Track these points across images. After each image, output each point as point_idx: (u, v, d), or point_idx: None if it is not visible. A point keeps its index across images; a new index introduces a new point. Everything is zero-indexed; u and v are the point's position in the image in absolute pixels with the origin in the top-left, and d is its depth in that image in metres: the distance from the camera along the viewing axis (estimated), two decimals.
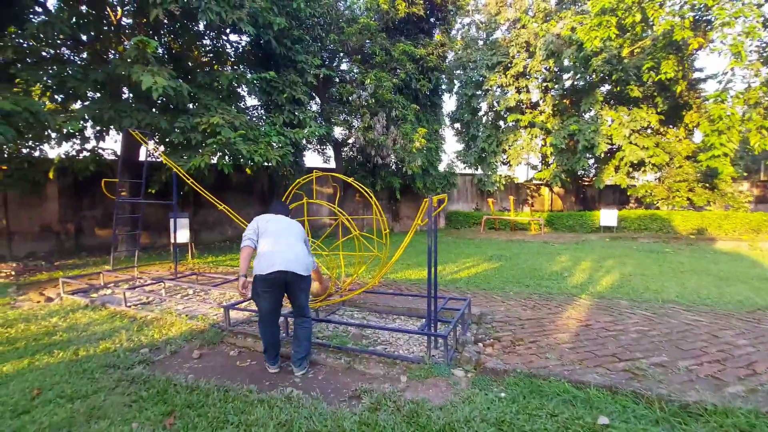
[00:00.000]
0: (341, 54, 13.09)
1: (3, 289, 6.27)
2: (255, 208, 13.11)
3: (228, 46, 10.96)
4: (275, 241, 3.32)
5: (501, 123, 18.44)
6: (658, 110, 15.29)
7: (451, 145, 43.06)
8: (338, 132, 13.40)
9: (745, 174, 17.73)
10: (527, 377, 2.94)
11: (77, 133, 8.40)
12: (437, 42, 13.89)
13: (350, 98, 12.03)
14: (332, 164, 14.56)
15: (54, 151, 8.76)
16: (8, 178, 7.98)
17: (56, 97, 8.49)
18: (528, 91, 17.00)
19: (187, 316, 4.75)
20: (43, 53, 8.57)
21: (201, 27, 9.66)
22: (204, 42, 10.38)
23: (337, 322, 4.26)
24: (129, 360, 3.51)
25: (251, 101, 12.43)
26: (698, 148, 14.46)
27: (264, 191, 13.35)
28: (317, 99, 13.29)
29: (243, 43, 11.20)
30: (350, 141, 13.39)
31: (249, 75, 9.10)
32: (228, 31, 9.93)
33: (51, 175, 8.86)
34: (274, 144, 9.22)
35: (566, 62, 16.71)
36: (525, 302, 5.28)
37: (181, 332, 4.25)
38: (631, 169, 16.05)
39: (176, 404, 2.76)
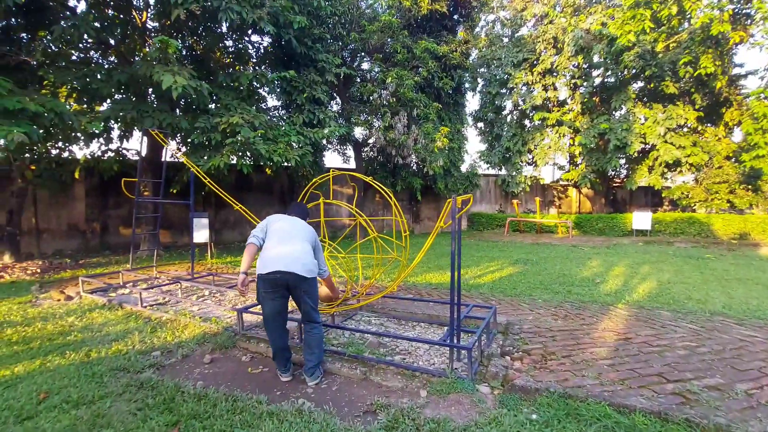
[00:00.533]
0: (362, 53, 12.93)
1: (27, 286, 6.37)
2: (275, 208, 13.11)
3: (249, 46, 10.99)
4: (278, 241, 3.18)
5: (526, 122, 17.87)
6: (696, 107, 14.43)
7: (474, 145, 42.32)
8: (358, 132, 13.25)
9: None
10: (562, 398, 2.63)
11: (102, 134, 8.55)
12: (461, 39, 13.56)
13: (371, 97, 11.85)
14: (352, 164, 14.42)
15: (82, 152, 8.91)
16: (38, 178, 8.18)
17: (83, 98, 8.66)
18: (555, 89, 16.39)
19: (201, 318, 4.63)
20: (73, 57, 8.78)
21: (224, 28, 9.70)
22: (226, 43, 10.42)
23: (352, 330, 4.04)
24: (139, 363, 3.41)
25: (272, 102, 12.44)
26: (740, 148, 13.55)
27: (284, 191, 13.33)
28: (338, 99, 13.18)
29: (264, 44, 11.21)
30: (371, 141, 13.21)
31: (269, 75, 9.04)
32: (249, 31, 9.93)
33: (77, 175, 9.05)
34: (294, 144, 9.14)
35: (596, 58, 16.03)
36: (555, 311, 4.92)
37: (194, 335, 4.14)
38: (666, 170, 15.21)
39: (182, 414, 2.62)
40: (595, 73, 16.95)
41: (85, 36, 7.70)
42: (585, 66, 16.29)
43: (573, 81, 16.05)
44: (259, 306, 4.47)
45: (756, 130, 11.25)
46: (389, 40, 12.26)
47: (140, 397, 2.85)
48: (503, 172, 17.46)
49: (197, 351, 3.77)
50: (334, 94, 12.89)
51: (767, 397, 2.61)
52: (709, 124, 15.14)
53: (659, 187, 15.22)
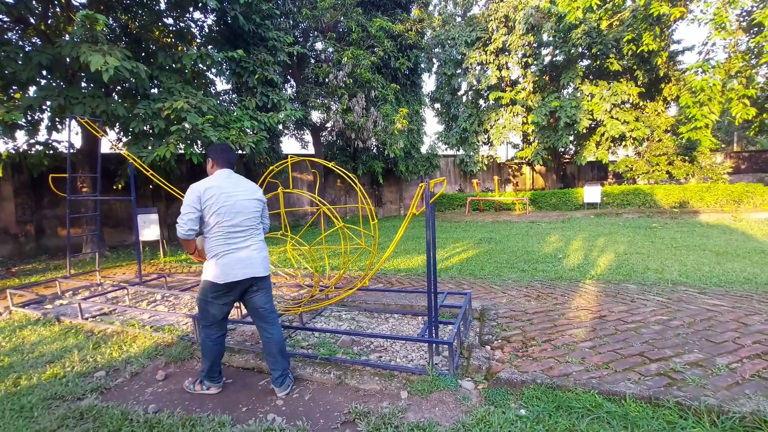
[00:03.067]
0: (315, 32, 12.28)
1: None
2: None
3: (192, 25, 10.04)
4: (232, 237, 2.85)
5: (482, 102, 18.03)
6: (638, 83, 15.16)
7: (432, 126, 42.48)
8: (316, 116, 12.71)
9: (722, 146, 17.99)
10: (550, 389, 2.56)
11: (26, 125, 7.51)
12: (415, 18, 13.25)
13: (327, 79, 11.33)
14: (311, 150, 13.88)
15: (5, 146, 7.83)
16: None
17: None
18: (508, 68, 16.58)
19: (152, 327, 4.19)
20: None
21: (162, 5, 8.75)
22: (166, 21, 9.42)
23: (323, 330, 3.80)
24: (79, 388, 2.97)
25: (222, 86, 11.57)
26: (677, 121, 14.44)
27: None
28: (292, 82, 12.52)
29: (209, 22, 10.29)
30: (329, 125, 12.72)
31: (215, 55, 8.29)
32: (191, 8, 9.04)
33: (0, 172, 7.94)
34: (248, 130, 8.54)
35: (546, 36, 16.35)
36: (527, 291, 4.95)
37: (145, 348, 3.72)
38: (612, 145, 15.98)
39: None
40: (545, 51, 17.32)
41: None
42: (535, 44, 16.56)
43: (525, 60, 16.29)
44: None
45: (694, 103, 11.97)
46: (342, 18, 11.70)
47: (79, 431, 2.46)
48: (461, 152, 17.60)
49: (149, 366, 3.37)
50: (288, 77, 12.21)
51: (750, 371, 2.66)
52: (649, 100, 16.00)
53: (606, 161, 15.99)
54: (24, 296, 5.52)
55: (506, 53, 16.39)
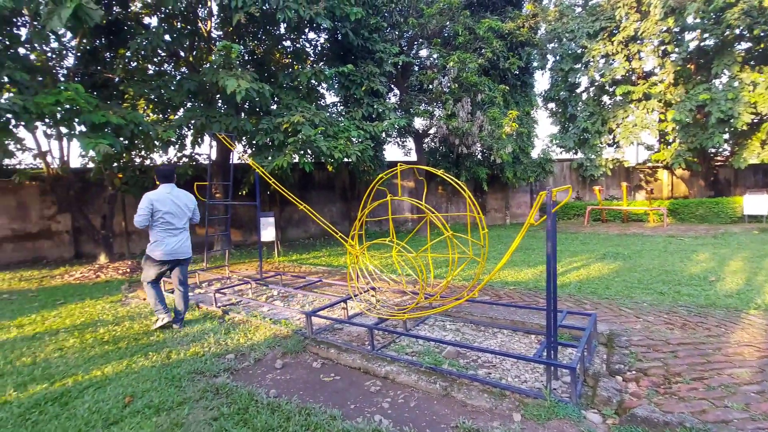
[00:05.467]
0: (420, 39, 12.39)
1: (118, 285, 6.84)
2: (337, 205, 13.13)
3: (307, 45, 11.01)
4: (170, 231, 4.40)
5: (606, 98, 16.07)
6: None
7: (545, 128, 39.62)
8: (419, 122, 12.76)
9: None
10: None
11: (176, 141, 9.01)
12: (528, 14, 12.45)
13: (431, 85, 11.29)
14: (413, 157, 13.98)
15: (161, 158, 9.50)
16: (125, 185, 8.84)
17: (158, 109, 9.19)
18: (640, 58, 14.48)
19: (270, 320, 4.56)
20: (149, 71, 9.37)
21: (282, 29, 9.75)
22: (284, 44, 10.51)
23: (427, 338, 3.64)
24: (215, 367, 3.38)
25: (331, 98, 12.41)
26: None
27: (345, 188, 13.29)
28: (396, 90, 12.80)
29: (321, 40, 11.15)
30: (431, 131, 12.65)
31: (327, 71, 8.91)
32: (306, 29, 9.90)
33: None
34: (354, 139, 8.94)
35: (690, 19, 13.87)
36: (669, 318, 4.11)
37: (265, 337, 4.06)
38: None
39: (256, 427, 2.47)
40: (689, 36, 14.70)
41: (158, 50, 8.11)
42: (676, 30, 14.17)
43: (662, 47, 14.05)
44: (327, 310, 4.32)
45: None
46: (449, 23, 11.57)
47: (216, 404, 2.78)
48: (580, 155, 15.92)
49: (269, 355, 3.67)
50: (392, 86, 12.51)
51: None
52: None
53: None
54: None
55: (638, 42, 14.36)
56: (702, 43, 14.43)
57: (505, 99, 12.26)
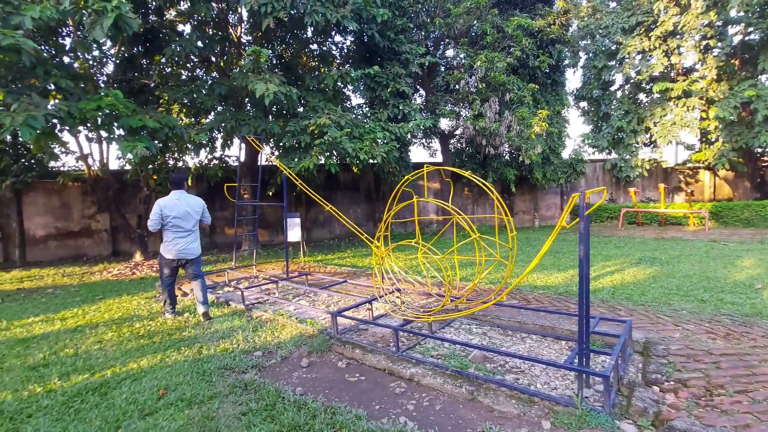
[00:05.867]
0: (446, 39, 12.27)
1: (152, 282, 7.11)
2: (362, 206, 13.18)
3: (333, 47, 11.12)
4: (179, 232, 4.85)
5: (642, 96, 15.41)
6: None
7: (576, 127, 38.57)
8: (445, 123, 12.63)
9: None
10: None
11: (207, 144, 9.31)
12: (559, 10, 12.09)
13: (458, 86, 11.15)
14: (439, 158, 13.85)
15: (192, 161, 9.87)
16: (159, 186, 9.20)
17: (191, 113, 9.52)
18: (680, 54, 13.81)
19: (297, 319, 4.62)
20: (183, 77, 9.72)
21: (309, 33, 9.90)
22: (311, 47, 10.67)
23: (453, 341, 3.57)
24: (243, 363, 3.46)
25: (356, 100, 12.46)
26: None
27: (370, 189, 13.33)
28: (422, 91, 12.72)
29: (347, 43, 11.23)
30: (458, 132, 12.49)
31: (353, 73, 8.96)
32: (333, 32, 10.00)
33: (190, 182, 10.01)
34: (379, 140, 8.96)
35: (734, 13, 13.12)
36: (710, 327, 3.88)
37: (292, 336, 4.12)
38: None
39: (283, 424, 2.51)
40: (732, 30, 13.91)
41: (191, 55, 8.40)
42: (719, 24, 13.43)
43: (704, 42, 13.35)
44: (352, 311, 4.34)
45: None
46: (476, 22, 11.40)
47: (244, 400, 2.85)
48: (614, 155, 15.33)
49: (295, 353, 3.72)
50: (418, 87, 12.44)
51: None
52: None
53: None
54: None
55: (677, 36, 13.71)
56: (746, 38, 13.62)
57: (535, 98, 11.96)
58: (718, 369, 2.96)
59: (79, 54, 7.96)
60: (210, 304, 5.46)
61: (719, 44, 13.51)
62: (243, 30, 9.77)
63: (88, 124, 6.83)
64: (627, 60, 14.28)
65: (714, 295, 4.97)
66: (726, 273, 6.18)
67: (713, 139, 14.14)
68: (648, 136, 14.88)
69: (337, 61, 11.14)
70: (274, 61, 10.16)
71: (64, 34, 8.14)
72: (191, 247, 4.79)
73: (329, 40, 10.71)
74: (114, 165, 9.91)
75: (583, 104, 16.63)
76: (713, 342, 3.49)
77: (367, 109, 11.27)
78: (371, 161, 8.98)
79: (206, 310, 4.76)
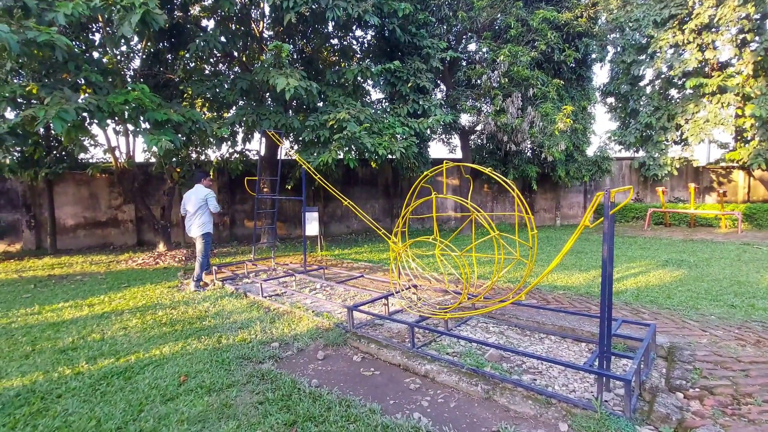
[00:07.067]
0: (469, 33, 12.06)
1: (174, 272, 7.31)
2: (379, 201, 13.17)
3: (354, 42, 11.08)
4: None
5: (673, 92, 14.80)
6: None
7: (603, 124, 37.26)
8: (465, 119, 12.45)
9: None
10: None
11: (229, 138, 9.46)
12: (587, 2, 11.72)
13: (479, 80, 10.97)
14: (458, 154, 13.69)
15: (214, 154, 10.06)
16: (182, 179, 9.41)
17: (213, 107, 9.69)
18: (715, 48, 13.19)
19: (313, 312, 4.67)
20: (206, 71, 9.89)
21: (330, 27, 9.90)
22: (332, 42, 10.66)
23: (469, 339, 3.53)
24: (261, 354, 3.53)
25: (376, 95, 12.43)
26: None
27: (388, 184, 13.30)
28: (442, 86, 12.57)
29: (368, 38, 11.19)
30: (478, 128, 12.30)
31: (373, 68, 8.92)
32: (354, 27, 9.98)
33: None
34: (398, 135, 8.91)
35: None
36: (740, 333, 3.72)
37: (308, 329, 4.17)
38: None
39: (299, 414, 2.56)
40: None
41: (214, 51, 8.52)
42: (757, 16, 12.75)
43: (741, 36, 12.70)
44: (368, 305, 4.36)
45: None
46: (500, 15, 11.17)
47: (261, 389, 2.91)
48: (642, 153, 14.81)
49: (311, 345, 3.77)
50: (439, 82, 12.30)
51: None
52: None
53: None
54: (223, 273, 6.84)
55: (713, 30, 13.09)
56: None
57: (560, 93, 11.65)
58: (746, 377, 2.84)
59: (108, 49, 8.19)
60: (230, 295, 5.61)
61: (757, 38, 12.82)
62: (265, 25, 9.86)
63: (116, 118, 7.02)
64: (658, 54, 13.72)
65: (745, 301, 4.76)
66: (759, 278, 5.91)
67: (749, 138, 13.47)
68: (678, 133, 14.30)
69: (358, 56, 11.11)
70: (295, 56, 10.22)
71: (93, 29, 8.38)
72: (191, 229, 6.07)
73: (350, 34, 10.69)
74: (140, 157, 10.17)
75: (610, 100, 16.10)
76: (742, 349, 3.34)
77: (387, 104, 11.22)
78: (390, 156, 8.95)
79: (196, 288, 5.89)
